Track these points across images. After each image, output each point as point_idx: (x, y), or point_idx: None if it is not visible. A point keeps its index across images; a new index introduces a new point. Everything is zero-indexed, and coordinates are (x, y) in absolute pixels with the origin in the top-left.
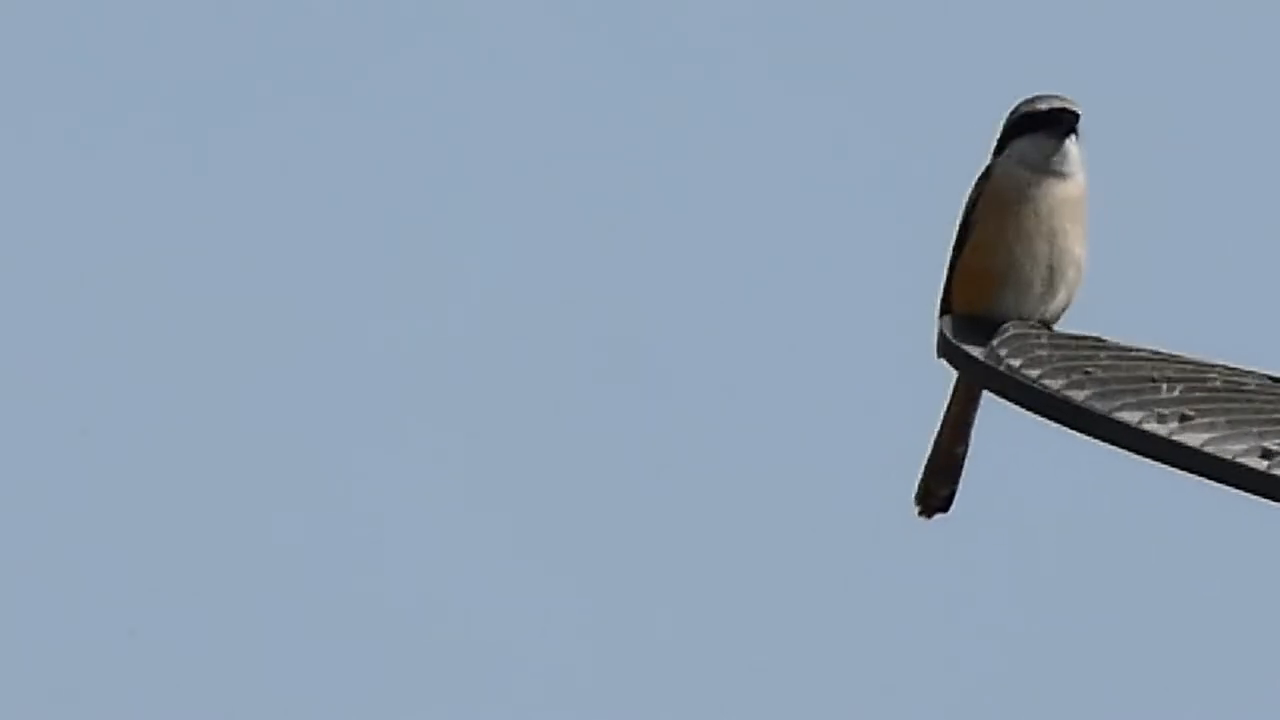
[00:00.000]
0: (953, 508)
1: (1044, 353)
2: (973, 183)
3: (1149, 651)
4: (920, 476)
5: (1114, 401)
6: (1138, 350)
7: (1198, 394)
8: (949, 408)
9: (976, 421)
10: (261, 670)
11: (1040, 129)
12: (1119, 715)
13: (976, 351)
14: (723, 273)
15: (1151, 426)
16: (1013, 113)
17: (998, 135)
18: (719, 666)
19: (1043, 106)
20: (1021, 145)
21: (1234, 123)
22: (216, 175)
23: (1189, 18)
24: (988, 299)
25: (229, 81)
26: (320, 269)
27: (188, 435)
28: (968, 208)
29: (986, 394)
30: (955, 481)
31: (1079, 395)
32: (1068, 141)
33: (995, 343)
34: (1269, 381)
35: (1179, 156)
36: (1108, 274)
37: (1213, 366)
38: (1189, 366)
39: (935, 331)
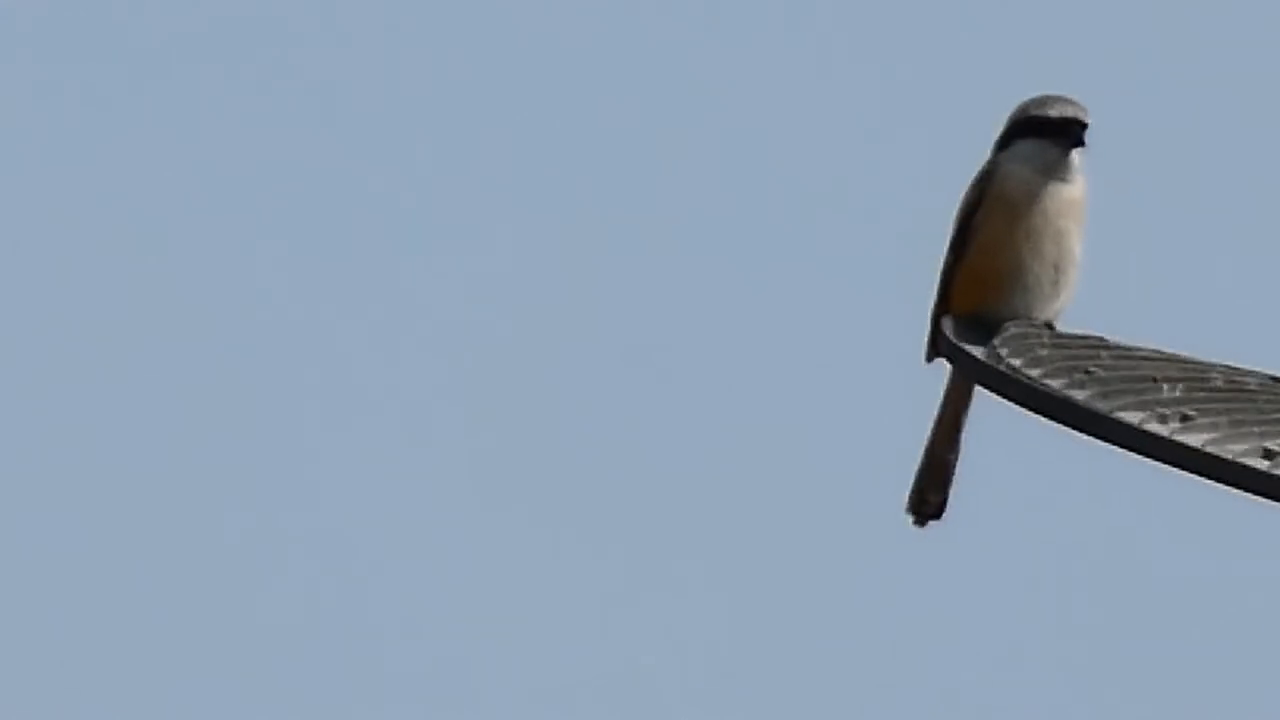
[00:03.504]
0: (946, 513)
1: (1045, 352)
2: (970, 183)
3: (1150, 653)
4: (913, 484)
5: (1115, 401)
6: (1139, 350)
7: (1199, 394)
8: (941, 413)
9: (970, 425)
10: (255, 671)
11: (1048, 135)
12: (1119, 717)
13: (977, 351)
14: (709, 282)
15: (1153, 426)
16: (1021, 111)
17: (1001, 131)
18: (710, 678)
19: (1054, 113)
20: (1026, 147)
21: (1234, 122)
22: (210, 170)
23: (1187, 16)
24: (993, 300)
25: (222, 73)
26: (316, 267)
27: (181, 436)
28: (968, 209)
29: (986, 395)
30: (947, 488)
31: (1080, 395)
32: (1073, 152)
33: (996, 342)
34: (1271, 381)
35: (1180, 156)
36: (1108, 274)
37: (1214, 366)
38: (1190, 366)
39: (925, 336)
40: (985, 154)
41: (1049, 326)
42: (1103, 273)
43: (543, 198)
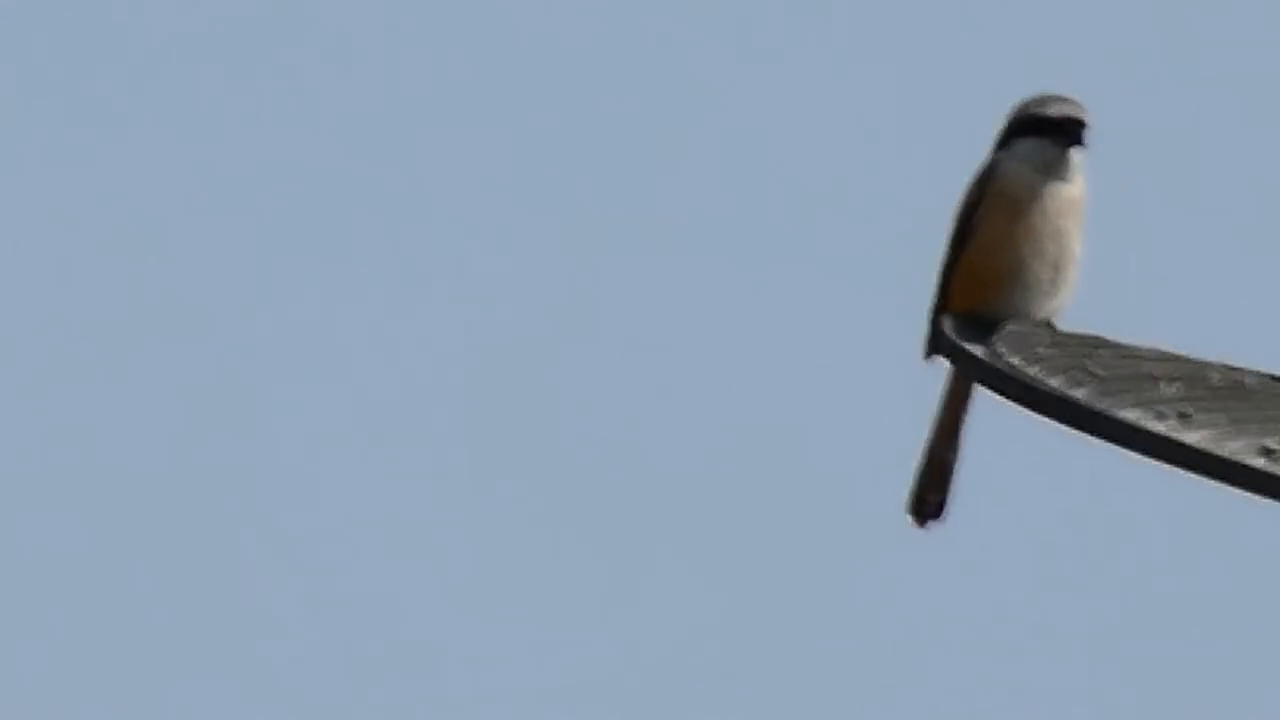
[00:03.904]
0: (946, 513)
1: (1044, 350)
2: (970, 181)
3: (1149, 651)
4: (913, 484)
5: (1114, 399)
6: (1137, 348)
7: (1197, 392)
8: (941, 412)
9: (969, 424)
10: (254, 670)
11: (1047, 134)
12: (1119, 717)
13: (976, 349)
14: (708, 282)
15: (1151, 424)
16: (1021, 109)
17: (1001, 130)
18: (710, 678)
19: (1053, 113)
20: (1026, 146)
21: (1233, 122)
22: (210, 170)
23: (1187, 16)
24: (993, 298)
25: (222, 74)
26: (316, 267)
27: (181, 436)
28: (968, 206)
29: (985, 394)
30: (947, 488)
31: (1078, 393)
32: (1072, 151)
33: (995, 341)
34: (1269, 379)
35: (1179, 155)
36: (1108, 273)
37: (1212, 364)
38: (1189, 364)
39: (924, 334)
40: (985, 153)
41: (1048, 325)
42: (1102, 271)
43: (543, 198)
